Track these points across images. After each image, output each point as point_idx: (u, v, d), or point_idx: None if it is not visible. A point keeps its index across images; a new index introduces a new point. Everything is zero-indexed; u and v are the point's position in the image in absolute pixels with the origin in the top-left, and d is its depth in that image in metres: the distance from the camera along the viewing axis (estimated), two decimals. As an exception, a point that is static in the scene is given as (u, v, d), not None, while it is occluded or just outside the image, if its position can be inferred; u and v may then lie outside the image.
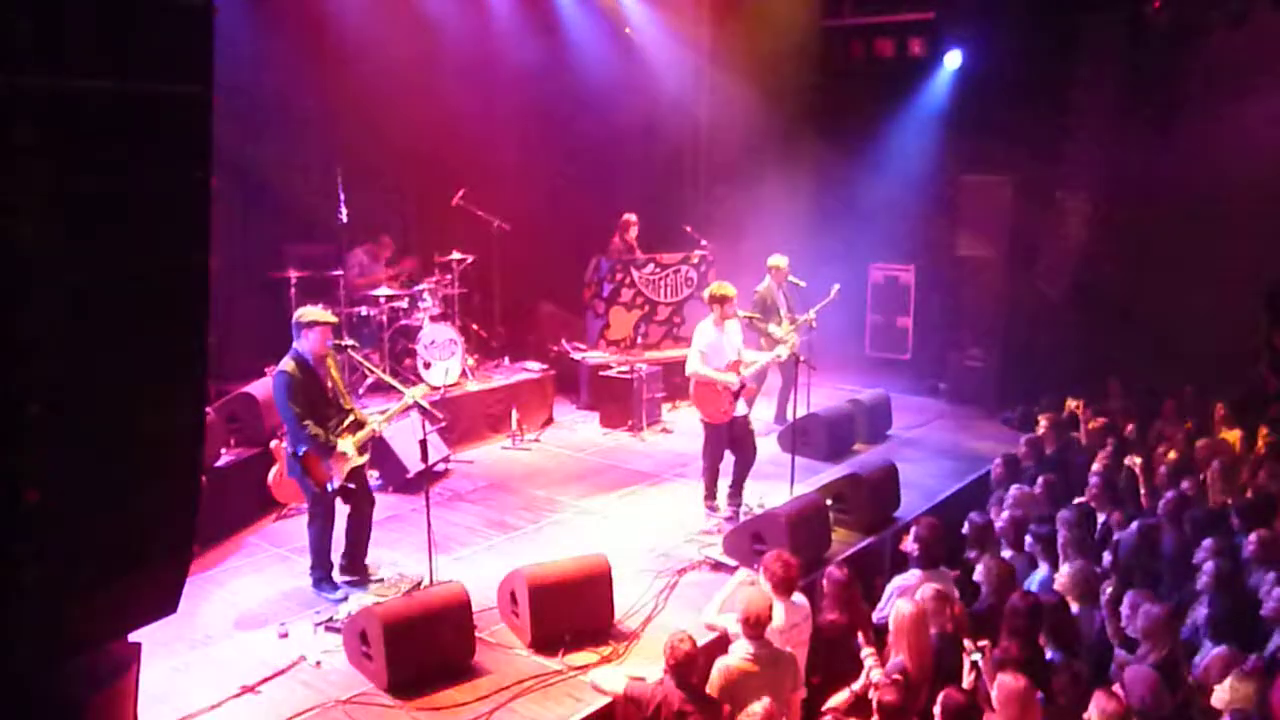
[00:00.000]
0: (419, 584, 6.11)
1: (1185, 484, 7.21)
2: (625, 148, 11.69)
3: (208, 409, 6.25)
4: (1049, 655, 4.90)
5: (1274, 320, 10.58)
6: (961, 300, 12.16)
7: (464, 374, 9.67)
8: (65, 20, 2.94)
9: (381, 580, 6.33)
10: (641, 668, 5.07)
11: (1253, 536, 6.09)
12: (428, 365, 9.22)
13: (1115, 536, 6.58)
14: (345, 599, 6.04)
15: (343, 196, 8.81)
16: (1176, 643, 4.98)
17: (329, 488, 6.01)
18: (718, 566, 6.54)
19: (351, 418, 6.17)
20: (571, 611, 5.56)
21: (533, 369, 10.37)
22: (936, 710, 4.17)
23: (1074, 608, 5.46)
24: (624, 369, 10.05)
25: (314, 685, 5.14)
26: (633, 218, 11.06)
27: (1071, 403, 9.46)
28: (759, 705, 4.04)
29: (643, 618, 5.89)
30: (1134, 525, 6.50)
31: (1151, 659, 4.77)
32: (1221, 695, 4.40)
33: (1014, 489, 7.22)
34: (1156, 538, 6.35)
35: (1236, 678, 4.41)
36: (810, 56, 12.23)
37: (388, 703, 4.96)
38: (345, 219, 8.91)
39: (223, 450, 7.34)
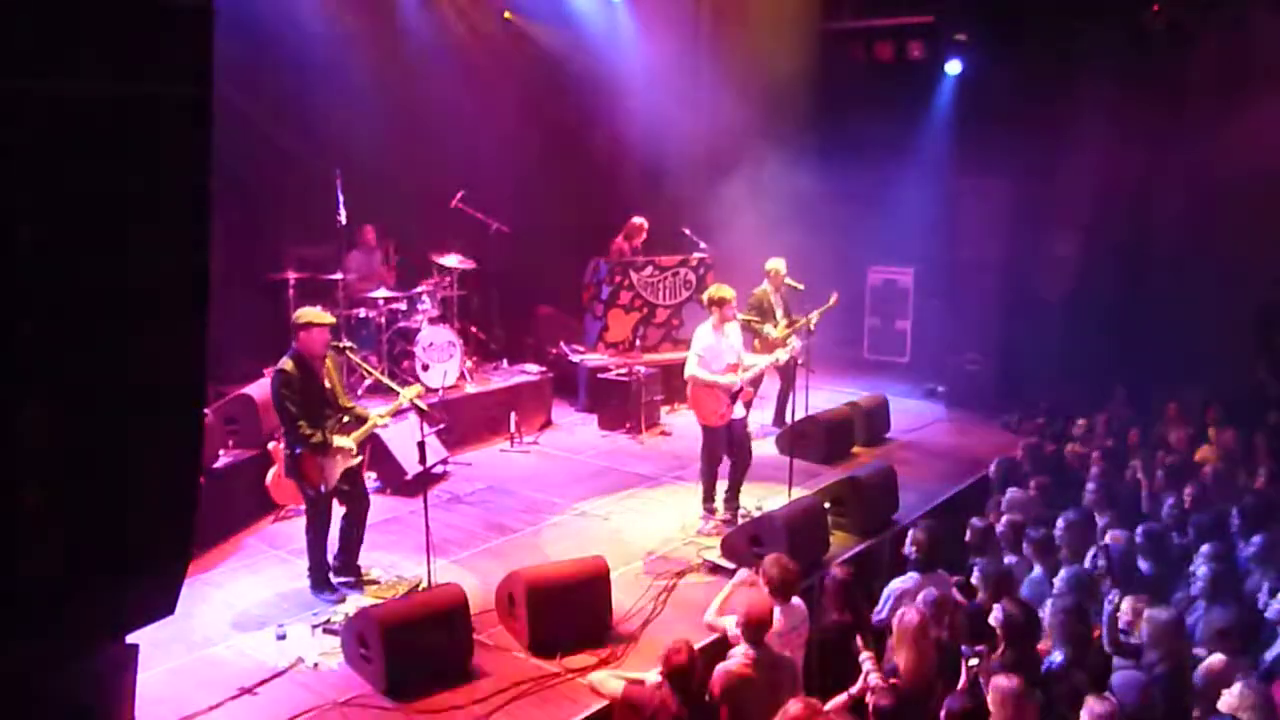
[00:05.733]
0: (417, 586, 6.11)
1: (1188, 489, 7.19)
2: (624, 150, 11.69)
3: (206, 410, 6.24)
4: (1059, 659, 4.88)
5: (1272, 322, 10.59)
6: (960, 303, 12.18)
7: (462, 376, 9.66)
8: (65, 22, 2.94)
9: (379, 582, 6.33)
10: (639, 670, 5.05)
11: (1253, 540, 6.08)
12: (426, 367, 9.20)
13: (1107, 542, 6.56)
14: (343, 601, 6.05)
15: (341, 198, 8.81)
16: (1184, 648, 4.95)
17: (322, 489, 6.01)
18: (716, 569, 6.54)
19: (348, 417, 6.17)
20: (570, 614, 5.56)
21: (531, 371, 10.37)
22: (941, 717, 4.16)
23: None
24: (622, 371, 10.05)
25: (312, 687, 5.14)
26: (642, 222, 10.91)
27: (1080, 421, 9.42)
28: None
29: (641, 620, 5.89)
30: (1126, 530, 6.48)
31: (1161, 668, 4.73)
32: (1226, 701, 4.38)
33: (1010, 492, 7.21)
34: (1149, 542, 6.33)
35: (1239, 683, 4.40)
36: (810, 60, 12.25)
37: (386, 705, 4.96)
38: (344, 220, 8.91)
39: (221, 452, 7.34)
